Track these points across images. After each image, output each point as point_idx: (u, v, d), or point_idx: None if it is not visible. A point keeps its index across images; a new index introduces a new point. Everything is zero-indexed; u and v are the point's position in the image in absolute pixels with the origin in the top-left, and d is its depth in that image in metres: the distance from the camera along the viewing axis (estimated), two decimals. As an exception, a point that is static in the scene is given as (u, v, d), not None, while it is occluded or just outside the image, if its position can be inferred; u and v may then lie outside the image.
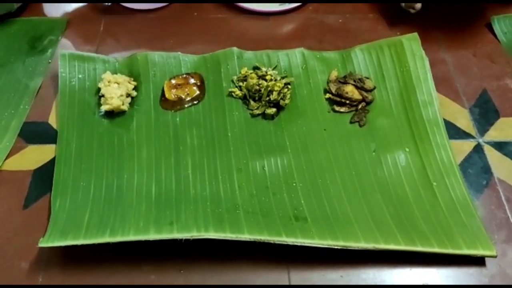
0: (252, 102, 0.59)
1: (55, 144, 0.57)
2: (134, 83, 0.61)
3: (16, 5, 0.71)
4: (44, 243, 0.46)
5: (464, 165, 0.55)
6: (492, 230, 0.50)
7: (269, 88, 0.59)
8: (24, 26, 0.71)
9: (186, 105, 0.60)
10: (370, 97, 0.60)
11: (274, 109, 0.59)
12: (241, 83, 0.61)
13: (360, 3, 0.74)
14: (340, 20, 0.72)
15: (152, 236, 0.47)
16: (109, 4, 0.74)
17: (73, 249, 0.46)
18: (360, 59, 0.64)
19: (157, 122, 0.58)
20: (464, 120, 0.59)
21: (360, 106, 0.59)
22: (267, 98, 0.59)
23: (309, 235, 0.48)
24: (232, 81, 0.62)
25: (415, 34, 0.64)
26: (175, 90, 0.61)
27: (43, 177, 0.54)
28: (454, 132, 0.58)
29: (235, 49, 0.64)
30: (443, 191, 0.52)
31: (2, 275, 0.47)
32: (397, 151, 0.55)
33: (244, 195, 0.52)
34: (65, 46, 0.68)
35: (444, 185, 0.52)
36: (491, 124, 0.59)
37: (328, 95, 0.60)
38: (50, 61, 0.66)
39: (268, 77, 0.60)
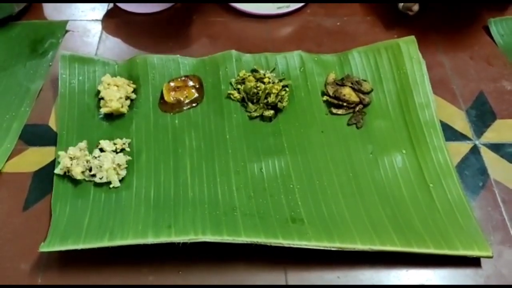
0: (250, 105, 0.60)
1: (55, 146, 0.57)
2: (134, 85, 0.62)
3: (17, 8, 0.72)
4: (44, 248, 0.47)
5: (461, 167, 0.56)
6: (488, 231, 0.50)
7: (267, 91, 0.59)
8: (25, 29, 0.72)
9: (184, 108, 0.60)
10: (367, 100, 0.60)
11: (272, 112, 0.59)
12: (239, 86, 0.62)
13: (358, 6, 0.75)
14: (338, 23, 0.72)
15: (151, 239, 0.47)
16: (109, 6, 0.75)
17: (73, 251, 0.47)
18: (358, 62, 0.64)
19: (156, 124, 0.59)
20: (460, 122, 0.60)
21: (357, 108, 0.60)
22: (265, 101, 0.59)
23: (305, 237, 0.48)
24: (231, 83, 0.62)
25: (412, 37, 0.64)
26: (174, 92, 0.62)
27: (43, 179, 0.55)
28: (451, 134, 0.59)
29: (233, 52, 0.65)
30: (439, 193, 0.52)
31: (2, 276, 0.48)
32: (394, 153, 0.56)
33: (241, 197, 0.52)
34: (66, 49, 0.68)
35: (441, 186, 0.53)
36: (488, 126, 0.59)
37: (325, 98, 0.61)
38: (50, 64, 0.67)
39: (266, 80, 0.61)
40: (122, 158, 0.54)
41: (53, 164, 0.55)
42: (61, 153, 0.54)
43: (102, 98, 0.59)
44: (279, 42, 0.69)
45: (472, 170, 0.55)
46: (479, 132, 0.59)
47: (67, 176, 0.54)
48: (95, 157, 0.55)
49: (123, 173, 0.54)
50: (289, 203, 0.52)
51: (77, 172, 0.53)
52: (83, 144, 0.56)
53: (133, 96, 0.61)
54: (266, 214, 0.51)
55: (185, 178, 0.54)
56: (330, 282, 0.47)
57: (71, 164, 0.53)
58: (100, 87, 0.60)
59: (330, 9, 0.74)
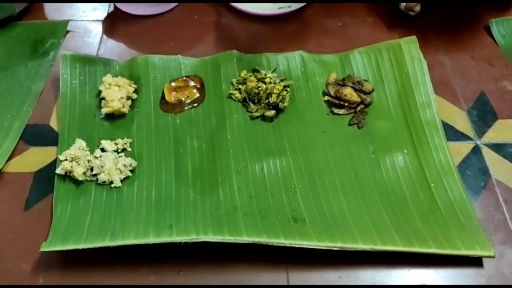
0: (251, 105, 0.60)
1: (56, 146, 0.57)
2: (135, 85, 0.62)
3: (18, 9, 0.72)
4: (45, 248, 0.47)
5: (462, 167, 0.56)
6: (490, 231, 0.50)
7: (268, 91, 0.59)
8: (26, 30, 0.72)
9: (186, 108, 0.60)
10: (368, 100, 0.60)
11: (273, 112, 0.59)
12: (240, 86, 0.62)
13: (359, 6, 0.75)
14: (339, 24, 0.72)
15: (152, 239, 0.47)
16: (110, 7, 0.75)
17: (74, 251, 0.47)
18: (359, 62, 0.64)
19: (157, 124, 0.59)
20: (462, 122, 0.60)
21: (358, 109, 0.60)
22: (266, 101, 0.59)
23: (307, 237, 0.48)
24: (232, 83, 0.62)
25: (413, 37, 0.64)
26: (175, 92, 0.62)
27: (44, 179, 0.54)
28: (452, 134, 0.58)
29: (234, 52, 0.65)
30: (441, 193, 0.52)
31: (3, 276, 0.48)
32: (396, 153, 0.56)
33: (243, 197, 0.52)
34: (67, 49, 0.68)
35: (442, 186, 0.53)
36: (489, 126, 0.59)
37: (326, 98, 0.61)
38: (52, 64, 0.67)
39: (267, 80, 0.61)
40: (130, 160, 0.54)
41: (54, 164, 0.55)
42: (61, 156, 0.54)
43: (103, 98, 0.59)
44: (280, 42, 0.69)
45: (474, 170, 0.55)
46: (480, 132, 0.59)
47: (68, 176, 0.54)
48: (96, 157, 0.55)
49: (128, 172, 0.54)
50: (290, 203, 0.52)
51: (78, 173, 0.53)
52: (82, 142, 0.56)
53: (134, 96, 0.61)
54: (268, 214, 0.50)
55: (186, 178, 0.54)
56: (332, 282, 0.47)
57: (71, 167, 0.53)
58: (101, 87, 0.60)
59: (331, 9, 0.74)
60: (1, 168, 0.55)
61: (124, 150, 0.56)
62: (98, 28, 0.72)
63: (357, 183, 0.53)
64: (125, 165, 0.54)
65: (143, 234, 0.48)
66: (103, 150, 0.56)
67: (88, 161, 0.54)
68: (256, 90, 0.60)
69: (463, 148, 0.57)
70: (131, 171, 0.54)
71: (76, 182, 0.53)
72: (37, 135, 0.59)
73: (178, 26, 0.72)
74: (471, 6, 0.74)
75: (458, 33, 0.71)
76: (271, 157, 0.56)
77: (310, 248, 0.47)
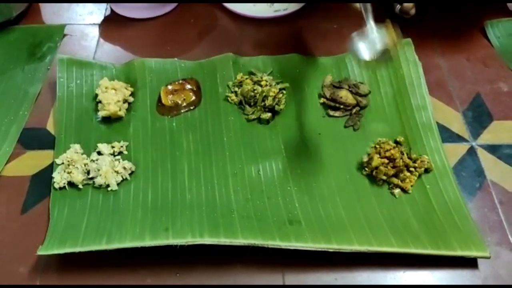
0: (247, 107, 0.60)
1: (53, 150, 0.57)
2: (131, 89, 0.62)
3: (15, 13, 0.72)
4: (42, 251, 0.47)
5: (458, 168, 0.56)
6: (485, 233, 0.51)
7: (264, 94, 0.59)
8: (23, 34, 0.72)
9: (182, 111, 0.61)
10: (364, 102, 0.60)
11: (269, 114, 0.59)
12: (236, 89, 0.62)
13: (355, 9, 0.75)
14: (334, 26, 0.72)
15: (148, 242, 0.47)
16: (107, 10, 0.75)
17: (71, 253, 0.47)
18: (354, 64, 0.64)
19: (153, 127, 0.59)
20: (457, 123, 0.60)
21: (354, 111, 0.60)
22: (262, 103, 0.59)
23: (303, 238, 0.48)
24: (228, 86, 0.63)
25: (409, 40, 0.65)
26: (171, 95, 0.62)
27: (41, 183, 0.55)
28: (448, 135, 0.59)
29: (230, 54, 0.65)
30: (436, 194, 0.53)
31: (1, 278, 0.48)
32: (391, 155, 0.56)
33: (239, 199, 0.52)
34: (64, 52, 0.68)
35: (438, 188, 0.53)
36: (484, 127, 0.60)
37: (322, 100, 0.61)
38: (49, 67, 0.67)
39: (263, 83, 0.61)
40: (129, 164, 0.55)
41: (51, 167, 0.56)
42: (57, 160, 0.55)
43: (100, 102, 0.59)
44: (276, 45, 0.70)
45: (469, 171, 0.56)
46: (475, 134, 0.59)
47: (64, 179, 0.54)
48: (93, 161, 0.55)
49: (127, 175, 0.54)
50: (286, 205, 0.52)
51: (78, 180, 0.53)
52: (77, 147, 0.56)
53: (131, 99, 0.61)
54: (264, 216, 0.51)
55: (182, 180, 0.54)
56: (328, 283, 0.48)
57: (71, 175, 0.53)
58: (98, 91, 0.60)
59: (327, 12, 0.75)
60: (-1, 172, 0.56)
61: (120, 153, 0.57)
62: (94, 32, 0.73)
63: (353, 185, 0.54)
64: (124, 168, 0.54)
65: (139, 237, 0.48)
66: (99, 153, 0.56)
67: (85, 164, 0.54)
68: (252, 93, 0.60)
69: (458, 150, 0.58)
70: (129, 174, 0.54)
71: (73, 186, 0.54)
72: (34, 138, 0.59)
73: (174, 29, 0.73)
74: (466, 8, 0.74)
75: (453, 35, 0.71)
76: (267, 160, 0.56)
77: (306, 250, 0.47)
